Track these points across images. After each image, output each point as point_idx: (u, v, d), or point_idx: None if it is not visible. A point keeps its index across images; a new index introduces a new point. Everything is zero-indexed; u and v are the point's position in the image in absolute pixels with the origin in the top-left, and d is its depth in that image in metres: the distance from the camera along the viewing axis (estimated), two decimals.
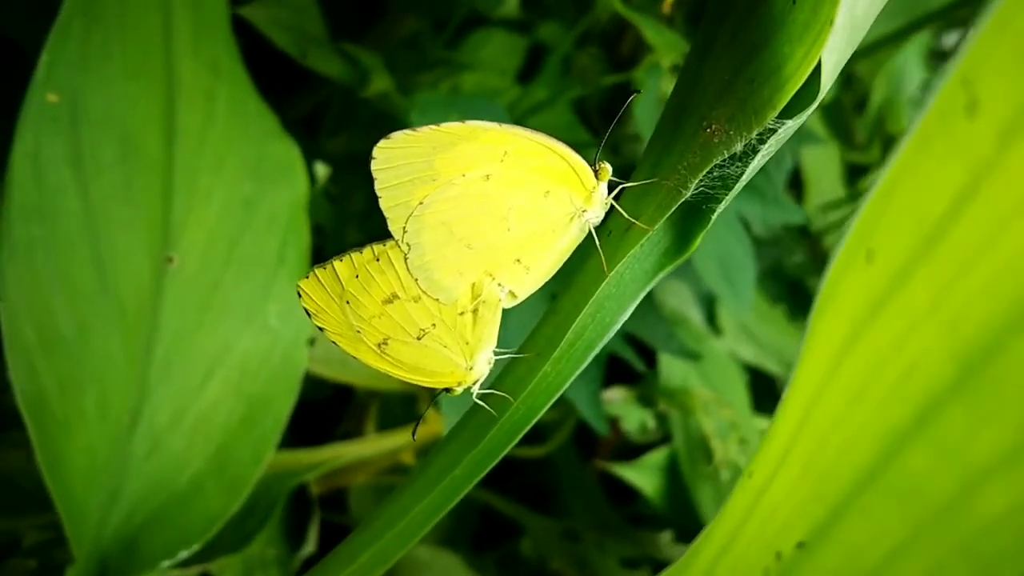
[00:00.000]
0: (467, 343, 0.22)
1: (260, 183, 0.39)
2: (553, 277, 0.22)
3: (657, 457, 0.56)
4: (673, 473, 0.56)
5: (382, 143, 0.21)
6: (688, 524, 0.59)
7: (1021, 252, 0.14)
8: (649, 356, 0.59)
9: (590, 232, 0.21)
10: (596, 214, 0.20)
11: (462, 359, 0.22)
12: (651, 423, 0.55)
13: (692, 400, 0.55)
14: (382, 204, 0.21)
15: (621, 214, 0.20)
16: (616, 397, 0.54)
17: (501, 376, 0.22)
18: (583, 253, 0.21)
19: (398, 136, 0.20)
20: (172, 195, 0.37)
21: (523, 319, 0.22)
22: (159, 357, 0.36)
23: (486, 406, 0.22)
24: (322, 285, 0.23)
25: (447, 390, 0.23)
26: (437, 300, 0.22)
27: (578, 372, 0.22)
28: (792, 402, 0.17)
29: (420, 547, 0.53)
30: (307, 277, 0.23)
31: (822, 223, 0.76)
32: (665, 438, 0.58)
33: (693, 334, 0.61)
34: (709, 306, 0.64)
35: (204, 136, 0.38)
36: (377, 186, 0.21)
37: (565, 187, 0.20)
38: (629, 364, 0.56)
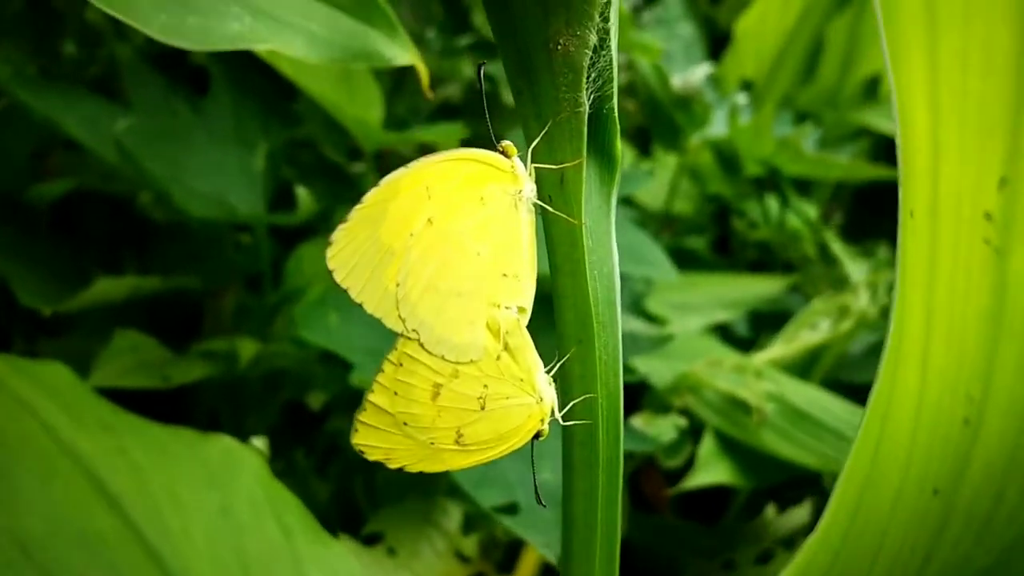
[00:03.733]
0: (521, 379, 0.21)
1: (220, 486, 0.38)
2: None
3: (706, 446, 0.55)
4: (730, 446, 0.55)
5: (328, 252, 0.20)
6: (774, 481, 0.58)
7: None
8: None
9: (538, 207, 0.21)
10: (529, 187, 0.21)
11: (528, 396, 0.21)
12: (681, 422, 0.54)
13: (693, 377, 0.55)
14: (367, 308, 0.21)
15: (549, 168, 0.20)
16: (638, 425, 0.53)
17: (563, 388, 0.22)
18: (542, 238, 0.21)
19: (337, 235, 0.20)
20: (158, 553, 0.34)
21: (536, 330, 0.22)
22: None
23: (577, 421, 0.21)
24: (374, 428, 0.21)
25: (537, 436, 0.22)
26: (471, 361, 0.21)
27: (619, 335, 0.22)
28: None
29: None
30: (355, 432, 0.21)
31: None
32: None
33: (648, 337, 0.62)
34: (638, 308, 0.65)
35: (143, 486, 0.36)
36: (352, 295, 0.21)
37: (492, 183, 0.20)
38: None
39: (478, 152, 0.20)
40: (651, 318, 0.65)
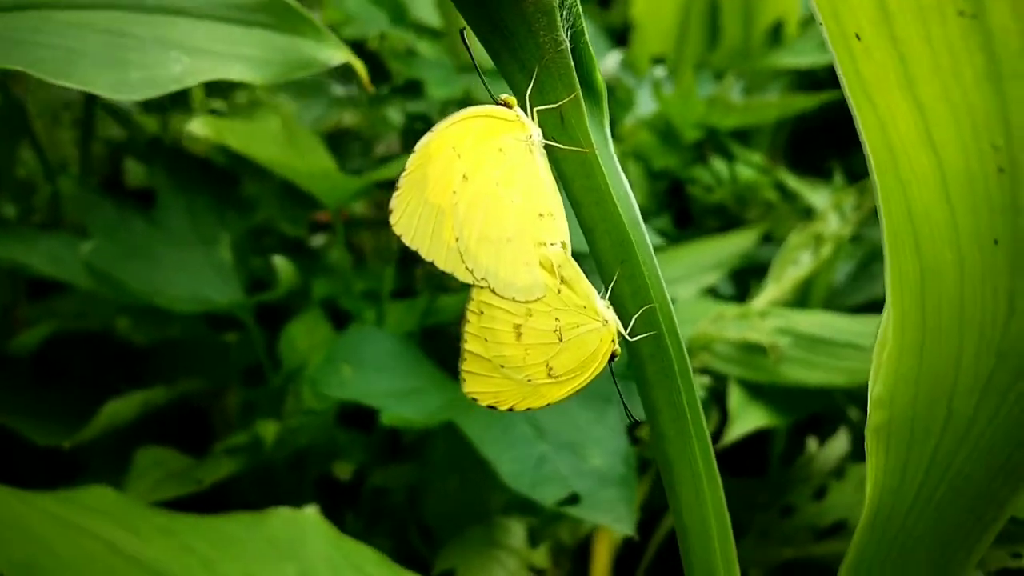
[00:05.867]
0: (584, 307, 0.23)
1: (292, 556, 0.37)
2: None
3: (734, 398, 0.55)
4: (757, 391, 0.56)
5: (391, 219, 0.22)
6: (809, 411, 0.59)
7: None
8: None
9: (547, 146, 0.22)
10: (535, 130, 0.22)
11: (594, 322, 0.23)
12: (704, 379, 0.55)
13: (703, 336, 0.56)
14: (438, 264, 0.22)
15: (549, 108, 0.21)
16: None
17: (618, 312, 0.23)
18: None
19: (393, 203, 0.22)
20: None
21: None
22: None
23: (644, 334, 0.22)
24: (477, 374, 0.23)
25: (612, 358, 0.23)
26: (538, 299, 0.22)
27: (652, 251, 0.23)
28: None
29: None
30: (463, 381, 0.23)
31: None
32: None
33: None
34: None
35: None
36: (422, 254, 0.22)
37: (504, 133, 0.22)
38: None
39: (484, 108, 0.22)
40: None
